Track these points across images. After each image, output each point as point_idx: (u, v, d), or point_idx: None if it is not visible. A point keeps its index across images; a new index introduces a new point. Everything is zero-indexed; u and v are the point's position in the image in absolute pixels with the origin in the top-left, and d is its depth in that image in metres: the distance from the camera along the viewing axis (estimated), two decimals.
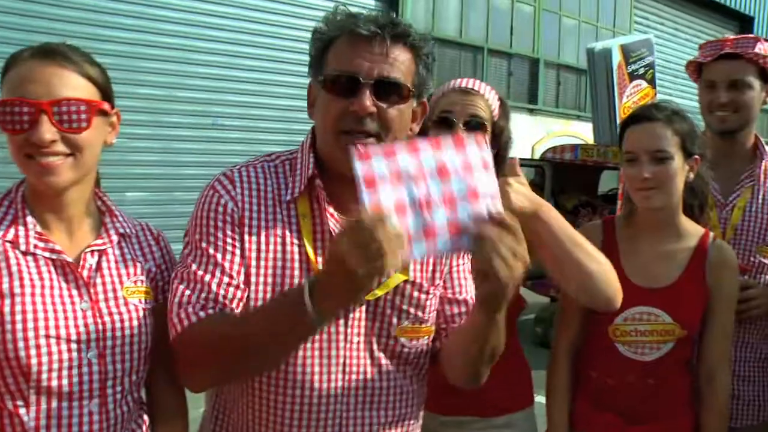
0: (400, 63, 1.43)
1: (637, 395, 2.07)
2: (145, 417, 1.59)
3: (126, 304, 1.48)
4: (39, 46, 1.40)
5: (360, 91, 1.40)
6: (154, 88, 7.69)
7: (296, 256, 1.47)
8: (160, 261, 1.61)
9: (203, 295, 1.42)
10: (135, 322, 1.48)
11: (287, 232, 1.48)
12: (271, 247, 1.47)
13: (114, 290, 1.48)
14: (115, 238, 1.53)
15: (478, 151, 1.28)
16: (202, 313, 1.40)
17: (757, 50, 2.46)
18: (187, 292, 1.43)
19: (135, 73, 7.33)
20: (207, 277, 1.43)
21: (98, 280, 1.46)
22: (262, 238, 1.47)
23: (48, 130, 1.34)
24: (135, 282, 1.52)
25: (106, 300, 1.46)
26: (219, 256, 1.45)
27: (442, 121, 2.07)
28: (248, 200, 1.49)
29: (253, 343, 1.36)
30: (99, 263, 1.48)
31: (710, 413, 2.09)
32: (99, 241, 1.50)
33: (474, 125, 2.05)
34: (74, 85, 1.39)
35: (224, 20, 8.30)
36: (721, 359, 2.11)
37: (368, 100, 1.39)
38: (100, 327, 1.43)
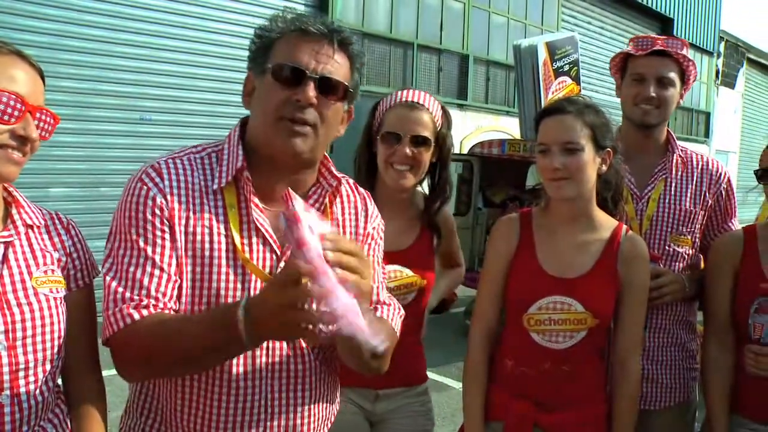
0: (340, 66, 1.55)
1: (552, 383, 2.12)
2: (63, 406, 1.58)
3: (36, 294, 1.47)
4: (6, 43, 1.46)
5: (305, 83, 1.49)
6: (77, 81, 7.47)
7: (223, 246, 1.51)
8: (71, 250, 1.60)
9: (136, 291, 1.43)
10: (46, 312, 1.47)
11: (214, 223, 1.51)
12: (198, 237, 1.49)
13: (22, 281, 1.46)
14: (22, 229, 1.51)
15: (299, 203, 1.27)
16: (136, 315, 1.41)
17: (684, 52, 2.56)
18: (120, 289, 1.44)
19: (57, 66, 7.11)
20: (139, 273, 1.44)
21: (5, 272, 1.44)
22: (190, 229, 1.49)
23: (35, 130, 1.43)
24: (45, 272, 1.51)
25: (14, 291, 1.44)
26: (149, 249, 1.46)
27: (390, 136, 2.31)
28: (176, 192, 1.51)
29: (186, 354, 1.39)
30: (5, 255, 1.46)
31: (622, 399, 2.16)
32: (5, 233, 1.48)
33: (420, 141, 2.31)
34: (42, 94, 1.48)
35: (147, 12, 8.11)
36: (632, 347, 2.18)
37: (312, 92, 1.49)
38: (9, 319, 1.41)
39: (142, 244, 1.46)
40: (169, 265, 1.47)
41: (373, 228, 1.78)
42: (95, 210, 7.18)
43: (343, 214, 1.71)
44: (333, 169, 1.68)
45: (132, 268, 1.45)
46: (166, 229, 1.48)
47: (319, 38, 1.52)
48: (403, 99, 2.35)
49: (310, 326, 1.21)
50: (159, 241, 1.47)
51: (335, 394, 1.75)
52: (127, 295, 1.43)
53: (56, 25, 7.37)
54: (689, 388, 2.60)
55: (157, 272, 1.45)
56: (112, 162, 7.72)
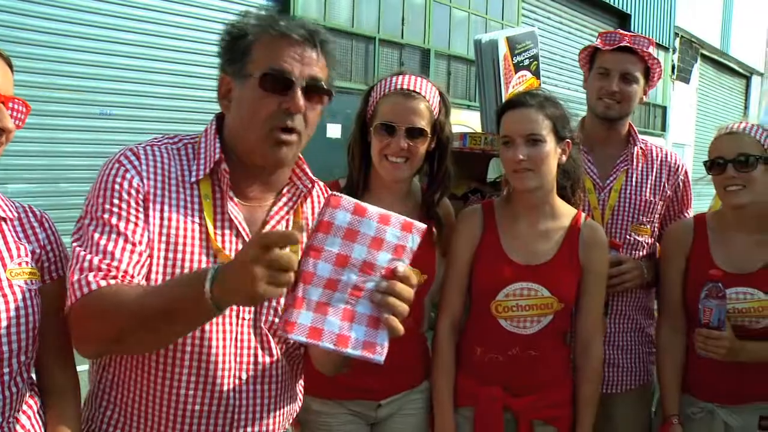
0: (322, 67, 1.57)
1: (520, 367, 2.19)
2: (36, 398, 1.58)
3: (10, 286, 1.47)
4: None
5: (293, 90, 1.50)
6: (32, 74, 7.30)
7: (197, 234, 1.51)
8: (45, 242, 1.60)
9: (105, 262, 1.41)
10: (21, 304, 1.47)
11: (189, 211, 1.52)
12: (173, 223, 1.50)
13: None
14: None
15: (416, 240, 1.36)
16: (103, 282, 1.39)
17: (650, 50, 2.63)
18: (89, 257, 1.41)
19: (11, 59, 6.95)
20: (110, 245, 1.43)
21: None
22: (165, 214, 1.50)
23: (10, 120, 1.43)
24: (19, 264, 1.51)
25: None
26: (122, 225, 1.45)
27: (383, 127, 2.17)
28: (153, 177, 1.51)
29: (148, 319, 1.34)
30: None
31: (585, 381, 2.25)
32: None
33: (416, 133, 2.18)
34: (12, 84, 1.49)
35: (105, 4, 7.95)
36: (594, 330, 2.27)
37: (301, 100, 1.50)
38: None
39: (114, 221, 1.45)
40: (140, 243, 1.46)
41: None
42: (54, 206, 7.03)
43: (313, 215, 1.73)
44: (307, 170, 1.69)
45: (103, 241, 1.43)
46: (140, 209, 1.48)
47: (302, 42, 1.52)
48: (398, 86, 2.19)
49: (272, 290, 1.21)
50: (132, 218, 1.46)
51: (297, 389, 1.77)
52: (95, 263, 1.41)
53: (8, 17, 7.19)
54: (648, 372, 2.69)
55: (129, 246, 1.44)
56: (70, 157, 7.58)
